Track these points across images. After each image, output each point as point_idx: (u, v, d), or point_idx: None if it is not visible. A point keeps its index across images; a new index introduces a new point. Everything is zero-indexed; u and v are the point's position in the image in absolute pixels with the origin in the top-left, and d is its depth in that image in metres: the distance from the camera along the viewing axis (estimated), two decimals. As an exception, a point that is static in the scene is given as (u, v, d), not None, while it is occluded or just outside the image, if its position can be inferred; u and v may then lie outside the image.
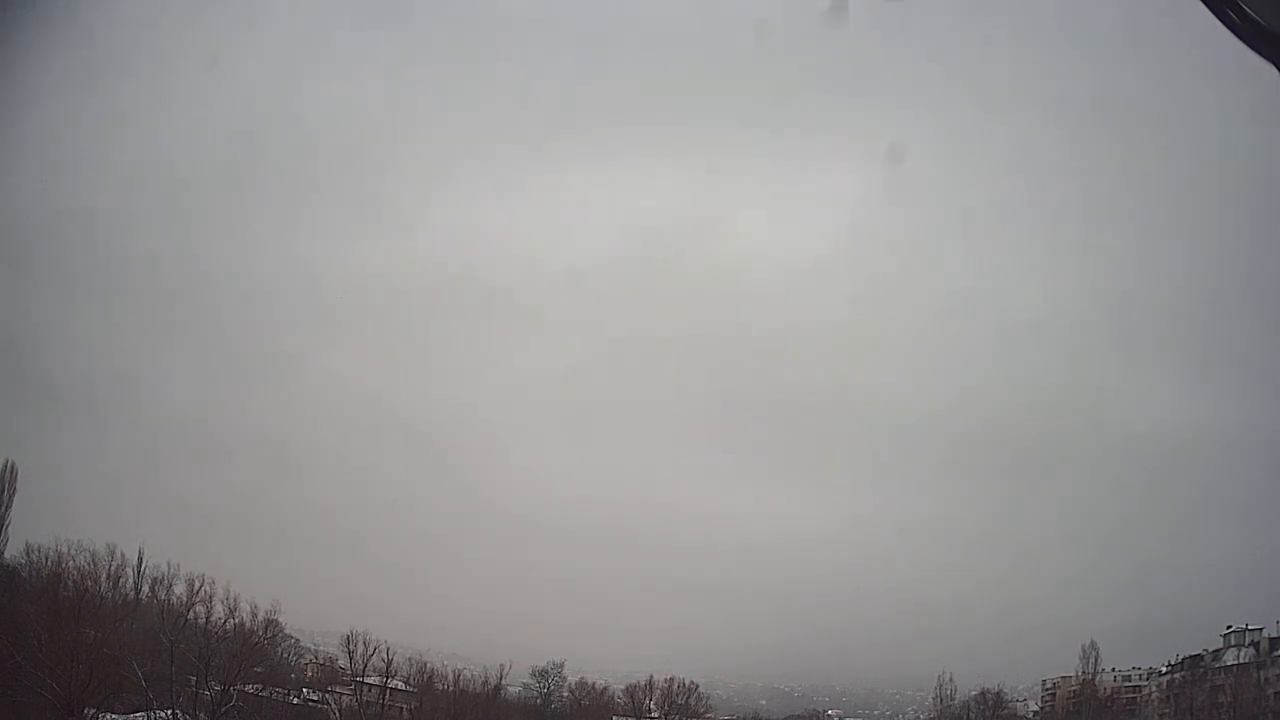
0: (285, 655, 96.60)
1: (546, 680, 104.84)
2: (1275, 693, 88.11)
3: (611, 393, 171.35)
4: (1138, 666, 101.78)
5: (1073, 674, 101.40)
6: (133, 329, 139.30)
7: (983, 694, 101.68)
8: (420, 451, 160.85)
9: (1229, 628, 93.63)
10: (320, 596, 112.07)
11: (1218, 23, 3.75)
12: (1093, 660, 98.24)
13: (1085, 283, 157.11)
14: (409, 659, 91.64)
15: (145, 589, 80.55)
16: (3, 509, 77.13)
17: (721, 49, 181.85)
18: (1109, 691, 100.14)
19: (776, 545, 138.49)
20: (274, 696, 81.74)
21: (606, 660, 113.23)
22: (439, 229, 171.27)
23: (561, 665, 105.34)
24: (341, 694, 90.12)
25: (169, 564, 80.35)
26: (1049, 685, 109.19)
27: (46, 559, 75.37)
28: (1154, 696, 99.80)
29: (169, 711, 71.28)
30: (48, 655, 62.82)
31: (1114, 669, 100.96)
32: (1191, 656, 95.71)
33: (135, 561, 79.59)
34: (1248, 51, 3.74)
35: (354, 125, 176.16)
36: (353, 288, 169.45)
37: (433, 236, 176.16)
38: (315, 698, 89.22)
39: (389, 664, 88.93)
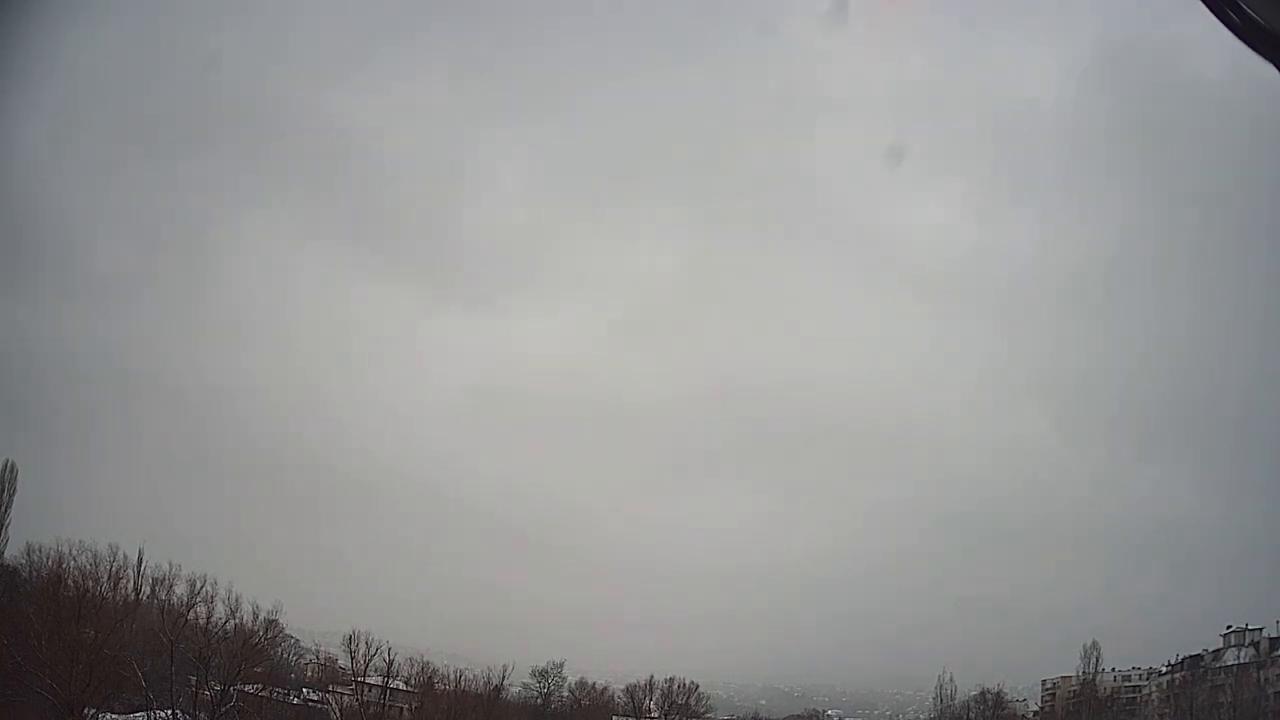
0: (285, 655, 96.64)
1: (547, 680, 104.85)
2: (1275, 693, 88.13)
3: (610, 414, 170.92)
4: (1138, 666, 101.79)
5: (1073, 674, 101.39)
6: (133, 332, 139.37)
7: (983, 694, 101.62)
8: (423, 453, 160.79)
9: (1229, 628, 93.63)
10: (321, 596, 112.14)
11: (1218, 23, 3.75)
12: (1093, 660, 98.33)
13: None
14: (410, 659, 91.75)
15: (146, 589, 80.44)
16: (3, 509, 77.29)
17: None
18: (1109, 691, 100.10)
19: (777, 548, 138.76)
20: (274, 696, 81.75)
21: (606, 660, 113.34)
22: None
23: (561, 665, 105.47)
24: (342, 694, 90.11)
25: (170, 564, 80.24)
26: (1049, 685, 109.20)
27: (47, 559, 75.35)
28: (1154, 696, 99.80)
29: (169, 711, 71.28)
30: (48, 655, 62.82)
31: (1114, 669, 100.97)
32: (1191, 656, 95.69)
33: (136, 562, 79.43)
34: (1248, 51, 3.75)
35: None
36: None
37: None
38: (315, 698, 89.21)
39: (390, 664, 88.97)
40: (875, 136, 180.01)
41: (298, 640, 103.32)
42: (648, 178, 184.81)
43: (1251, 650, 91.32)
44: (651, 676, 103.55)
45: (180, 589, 79.77)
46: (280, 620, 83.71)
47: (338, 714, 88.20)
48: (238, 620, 78.23)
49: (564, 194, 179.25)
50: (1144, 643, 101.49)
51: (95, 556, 76.05)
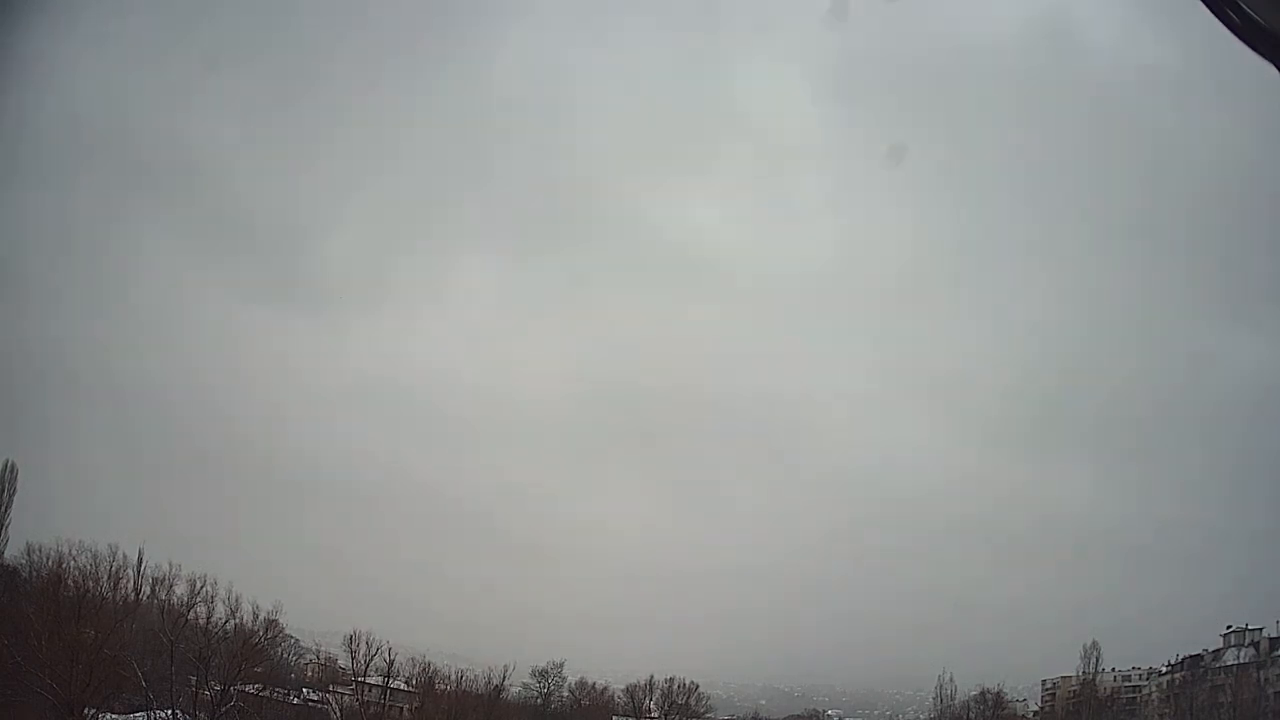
0: (285, 655, 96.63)
1: (547, 680, 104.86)
2: (1275, 692, 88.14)
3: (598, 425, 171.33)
4: (1138, 666, 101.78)
5: (1073, 674, 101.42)
6: (132, 330, 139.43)
7: (983, 694, 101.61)
8: (425, 459, 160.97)
9: (1229, 628, 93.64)
10: (321, 596, 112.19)
11: (1218, 23, 3.76)
12: (1093, 660, 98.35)
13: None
14: (411, 659, 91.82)
15: (146, 589, 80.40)
16: (3, 509, 77.28)
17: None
18: (1109, 691, 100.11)
19: (776, 549, 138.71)
20: (274, 696, 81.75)
21: (606, 660, 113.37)
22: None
23: (561, 665, 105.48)
24: (342, 694, 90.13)
25: (170, 564, 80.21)
26: (1049, 685, 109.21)
27: (47, 559, 75.33)
28: (1154, 696, 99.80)
29: (169, 711, 71.29)
30: (48, 655, 62.83)
31: (1114, 669, 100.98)
32: (1191, 656, 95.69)
33: (136, 562, 79.38)
34: (1248, 51, 3.75)
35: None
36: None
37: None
38: (315, 698, 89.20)
39: (390, 664, 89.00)
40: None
41: (298, 640, 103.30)
42: (464, 184, 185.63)
43: (1251, 650, 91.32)
44: (651, 676, 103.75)
45: (180, 589, 79.85)
46: (280, 620, 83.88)
47: (338, 714, 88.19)
48: (238, 620, 78.37)
49: (396, 203, 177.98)
50: (1144, 643, 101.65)
51: (95, 556, 76.06)
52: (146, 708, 71.42)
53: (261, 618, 79.51)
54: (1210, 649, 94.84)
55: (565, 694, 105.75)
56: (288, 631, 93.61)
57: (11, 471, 77.25)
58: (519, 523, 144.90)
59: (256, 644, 79.08)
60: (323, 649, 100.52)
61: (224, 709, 73.26)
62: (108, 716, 69.24)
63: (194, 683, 73.58)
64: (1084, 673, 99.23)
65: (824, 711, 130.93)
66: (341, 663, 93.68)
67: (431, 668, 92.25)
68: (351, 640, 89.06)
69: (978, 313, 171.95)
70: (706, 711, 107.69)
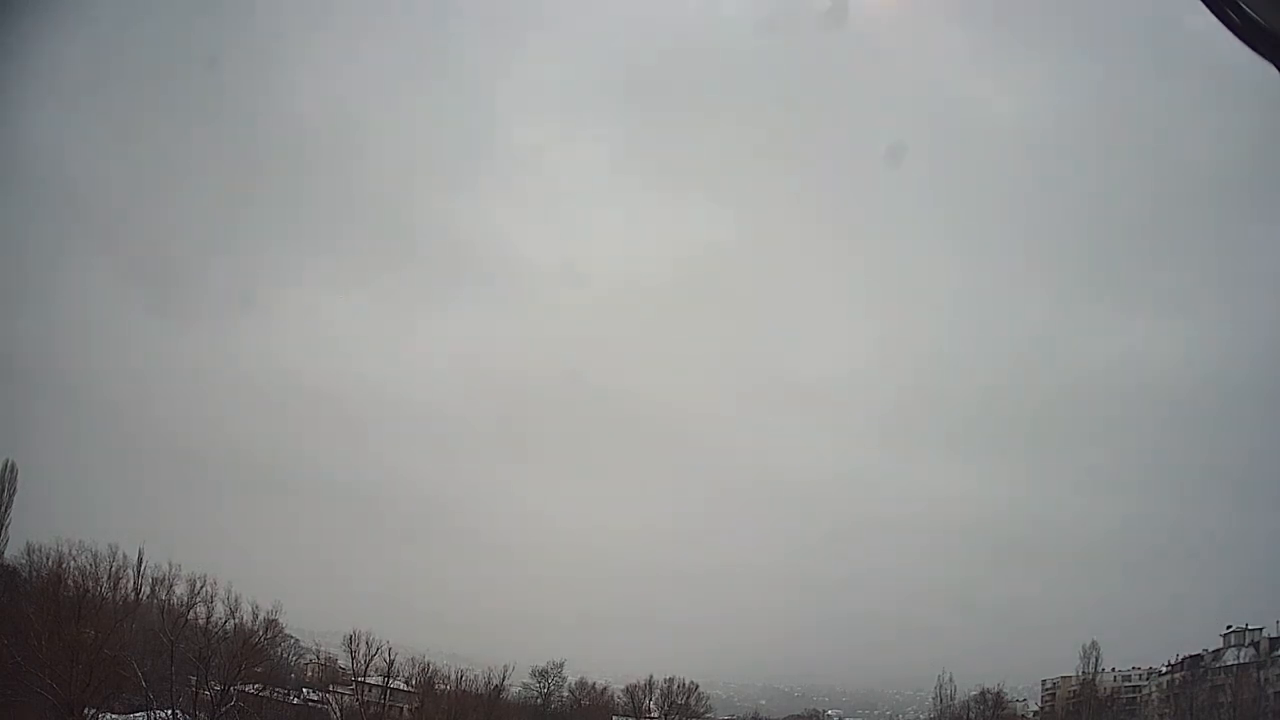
0: (285, 655, 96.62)
1: (547, 680, 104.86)
2: (1275, 692, 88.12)
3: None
4: (1138, 666, 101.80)
5: (1073, 674, 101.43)
6: (130, 328, 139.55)
7: (983, 694, 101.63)
8: (422, 460, 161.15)
9: (1229, 628, 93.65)
10: (321, 596, 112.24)
11: (1218, 23, 3.76)
12: (1093, 660, 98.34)
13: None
14: (411, 659, 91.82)
15: (146, 589, 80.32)
16: (3, 509, 77.22)
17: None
18: (1109, 691, 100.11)
19: (775, 547, 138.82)
20: (274, 696, 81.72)
21: (606, 660, 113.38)
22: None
23: (561, 665, 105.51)
24: (342, 694, 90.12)
25: (170, 564, 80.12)
26: (1049, 685, 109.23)
27: (47, 559, 75.24)
28: (1154, 696, 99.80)
29: (169, 711, 71.25)
30: (48, 655, 62.77)
31: (1114, 669, 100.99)
32: (1191, 656, 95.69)
33: (136, 562, 79.29)
34: (1248, 51, 3.75)
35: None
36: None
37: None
38: (315, 698, 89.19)
39: (390, 664, 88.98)
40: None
41: (298, 640, 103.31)
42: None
43: (1251, 650, 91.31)
44: (651, 676, 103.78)
45: (180, 589, 79.62)
46: (280, 620, 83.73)
47: (338, 714, 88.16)
48: (238, 620, 78.20)
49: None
50: (1144, 643, 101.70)
51: (95, 556, 75.87)
52: (146, 708, 71.36)
53: (261, 618, 79.47)
54: (1210, 649, 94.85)
55: (565, 694, 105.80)
56: (288, 631, 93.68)
57: (11, 471, 77.28)
58: (517, 523, 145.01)
59: (256, 644, 78.98)
60: (323, 649, 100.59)
61: (224, 709, 73.21)
62: (108, 716, 69.17)
63: (194, 683, 73.50)
64: (1084, 673, 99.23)
65: (824, 711, 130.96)
66: (341, 663, 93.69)
67: (431, 668, 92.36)
68: (351, 640, 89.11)
69: (969, 313, 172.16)
70: (706, 711, 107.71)
